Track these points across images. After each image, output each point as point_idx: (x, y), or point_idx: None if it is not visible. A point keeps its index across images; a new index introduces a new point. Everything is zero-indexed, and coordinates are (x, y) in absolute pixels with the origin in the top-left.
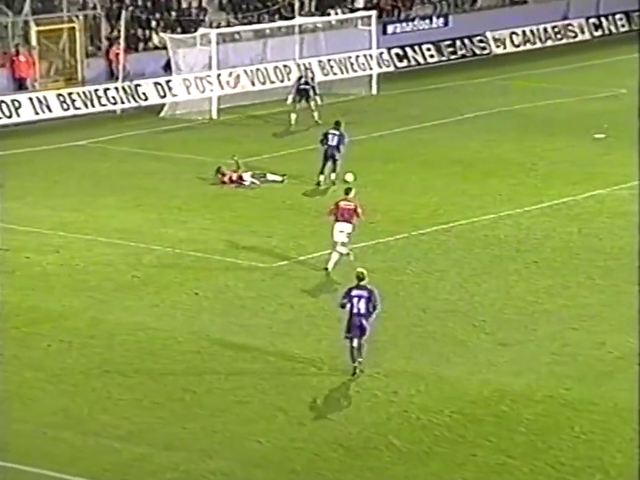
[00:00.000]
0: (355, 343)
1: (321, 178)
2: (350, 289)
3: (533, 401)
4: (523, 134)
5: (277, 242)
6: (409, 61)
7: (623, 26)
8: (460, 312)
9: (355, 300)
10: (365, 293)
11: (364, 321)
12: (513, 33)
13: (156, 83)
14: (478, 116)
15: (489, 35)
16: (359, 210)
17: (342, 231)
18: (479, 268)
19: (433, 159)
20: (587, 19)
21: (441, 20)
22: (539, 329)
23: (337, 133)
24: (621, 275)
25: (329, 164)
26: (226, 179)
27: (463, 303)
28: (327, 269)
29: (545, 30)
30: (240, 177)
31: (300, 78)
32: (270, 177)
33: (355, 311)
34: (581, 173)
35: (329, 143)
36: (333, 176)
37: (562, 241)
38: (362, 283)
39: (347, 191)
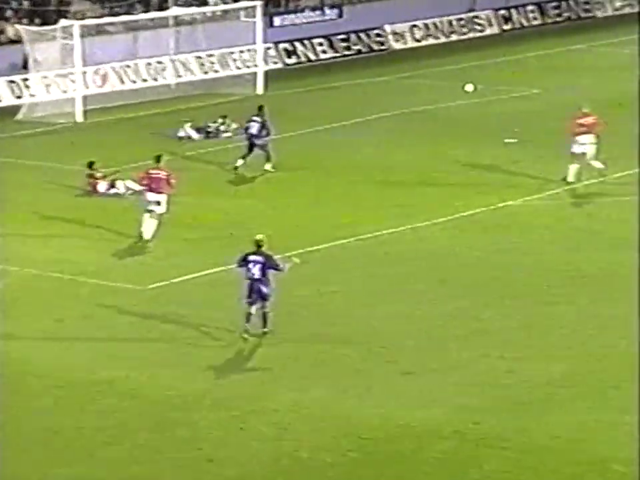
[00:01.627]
0: (254, 309)
1: (239, 162)
2: (247, 254)
3: (440, 437)
4: (427, 138)
5: (152, 260)
6: (298, 57)
7: (535, 19)
8: (358, 338)
9: (251, 265)
10: (260, 259)
11: (262, 287)
12: (414, 26)
13: (10, 82)
14: (378, 118)
15: (387, 28)
16: (171, 180)
17: (152, 201)
18: (380, 288)
19: (327, 166)
20: (496, 10)
21: (334, 11)
22: (447, 356)
23: (257, 120)
24: (535, 295)
25: (254, 152)
26: (98, 186)
27: (361, 328)
28: (141, 236)
29: (450, 23)
30: (112, 184)
31: None
32: (130, 184)
33: (251, 275)
34: (492, 182)
35: (249, 130)
36: (267, 166)
37: (472, 257)
38: (260, 249)
39: (158, 159)
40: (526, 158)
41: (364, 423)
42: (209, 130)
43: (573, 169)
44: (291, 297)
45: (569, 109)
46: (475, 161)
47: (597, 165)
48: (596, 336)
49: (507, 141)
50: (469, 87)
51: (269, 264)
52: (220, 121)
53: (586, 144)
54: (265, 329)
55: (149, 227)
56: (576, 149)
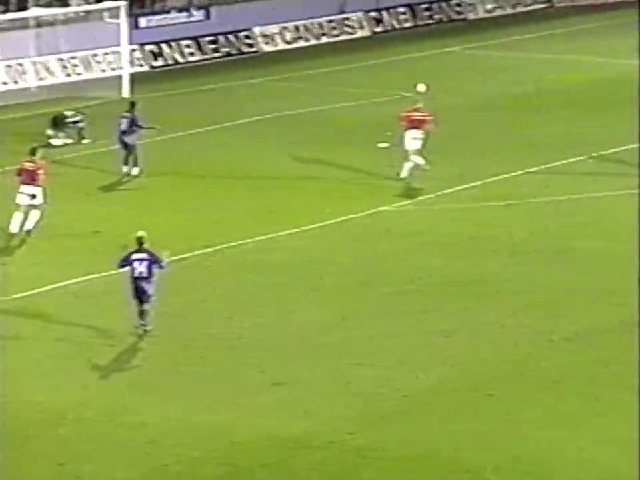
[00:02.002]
0: (145, 306)
1: (124, 169)
2: (130, 253)
3: (313, 447)
4: (299, 142)
5: (17, 270)
6: (165, 59)
7: (406, 21)
8: (228, 348)
9: (137, 263)
10: (145, 256)
11: (147, 285)
12: (284, 28)
13: None
14: (248, 122)
15: (256, 30)
16: (41, 172)
17: (27, 194)
18: (250, 297)
19: (196, 171)
20: (367, 12)
21: (202, 12)
22: (319, 365)
23: (127, 115)
24: (410, 302)
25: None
26: None
27: (232, 338)
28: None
29: (320, 25)
30: None
31: None
32: None
33: (137, 274)
34: (364, 187)
35: (120, 127)
36: (134, 170)
37: (344, 264)
38: (142, 247)
39: (33, 152)
40: (396, 162)
41: (235, 434)
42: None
43: (407, 165)
44: (159, 306)
45: (444, 112)
46: (347, 166)
47: (418, 160)
48: (470, 344)
49: (380, 145)
50: (421, 87)
51: (153, 260)
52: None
53: (417, 139)
54: (146, 327)
55: (19, 220)
56: (407, 144)
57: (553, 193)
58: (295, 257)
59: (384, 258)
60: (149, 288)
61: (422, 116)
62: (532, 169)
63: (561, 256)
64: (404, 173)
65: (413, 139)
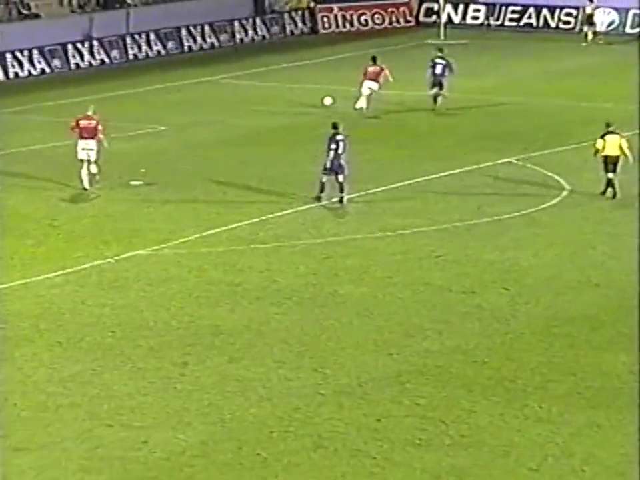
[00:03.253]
0: None
1: None
2: None
3: None
4: (32, 183)
5: None
6: None
7: (158, 51)
8: None
9: None
10: None
11: None
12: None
13: None
14: None
15: None
16: None
17: None
18: None
19: None
20: (121, 37)
21: None
22: (65, 427)
23: None
24: (167, 355)
25: None
26: None
27: None
28: None
29: (65, 51)
30: None
31: None
32: None
33: None
34: (115, 230)
35: None
36: None
37: (93, 315)
38: None
39: None
40: (153, 202)
41: None
42: None
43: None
44: None
45: (200, 147)
46: (93, 207)
47: (94, 169)
48: (234, 400)
49: (132, 183)
50: (327, 100)
51: None
52: None
53: (90, 149)
54: None
55: None
56: (80, 154)
57: (319, 234)
58: (37, 307)
59: (139, 307)
60: None
61: (95, 124)
62: (300, 208)
63: (328, 302)
64: (86, 184)
65: (82, 150)
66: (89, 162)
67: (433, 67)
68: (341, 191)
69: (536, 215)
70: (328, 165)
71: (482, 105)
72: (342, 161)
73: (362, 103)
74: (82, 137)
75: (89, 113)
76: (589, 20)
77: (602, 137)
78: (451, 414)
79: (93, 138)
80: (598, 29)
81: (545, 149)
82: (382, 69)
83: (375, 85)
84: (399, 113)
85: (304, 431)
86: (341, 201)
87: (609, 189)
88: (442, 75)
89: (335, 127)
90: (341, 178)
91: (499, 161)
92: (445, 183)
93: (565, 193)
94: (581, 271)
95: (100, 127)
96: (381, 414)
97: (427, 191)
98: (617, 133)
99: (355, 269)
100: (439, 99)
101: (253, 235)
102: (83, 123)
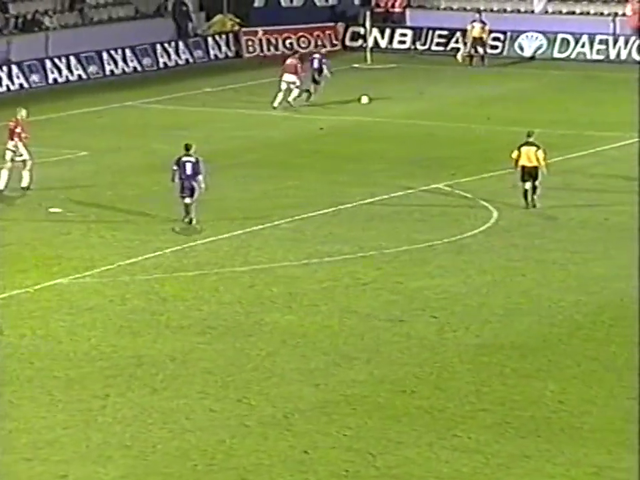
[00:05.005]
0: None
1: None
2: None
3: None
4: None
5: None
6: None
7: (77, 72)
8: None
9: None
10: None
11: None
12: None
13: None
14: None
15: None
16: None
17: None
18: None
19: None
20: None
21: None
22: None
23: None
24: (88, 387)
25: None
26: None
27: None
28: None
29: None
30: None
31: None
32: None
33: None
34: (35, 258)
35: None
36: None
37: (11, 346)
38: None
39: None
40: (74, 229)
41: None
42: None
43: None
44: None
45: (122, 172)
46: (13, 234)
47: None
48: (156, 433)
49: (51, 210)
50: (365, 99)
51: None
52: None
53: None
54: None
55: None
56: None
57: (244, 262)
58: None
59: (59, 337)
60: None
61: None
62: (223, 235)
63: (254, 331)
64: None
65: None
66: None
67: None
68: (187, 213)
69: (464, 242)
70: (178, 187)
71: (409, 131)
72: (193, 183)
73: (279, 99)
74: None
75: (18, 117)
76: (478, 42)
77: (519, 147)
78: (379, 445)
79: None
80: (525, 54)
81: (472, 175)
82: (301, 62)
83: (292, 78)
84: (325, 137)
85: (228, 463)
86: (190, 222)
87: (532, 199)
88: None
89: (187, 148)
90: (188, 200)
91: (427, 187)
92: (372, 209)
93: (493, 220)
94: (509, 298)
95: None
96: (307, 445)
97: (354, 217)
98: (535, 144)
99: (280, 297)
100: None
101: (177, 263)
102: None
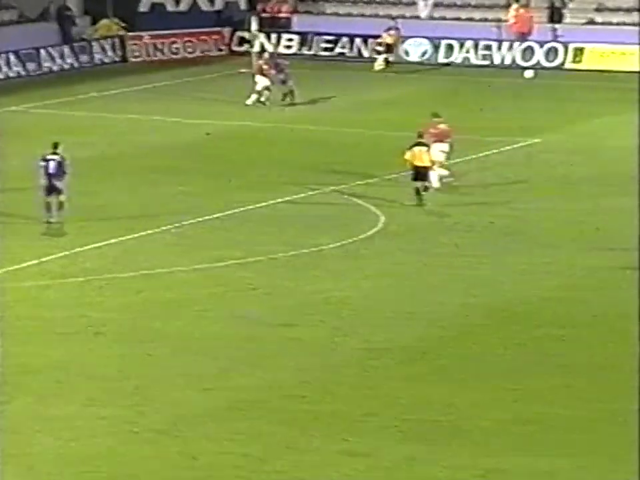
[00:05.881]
0: None
1: None
2: None
3: None
4: None
5: None
6: None
7: None
8: None
9: None
10: None
11: None
12: None
13: None
14: None
15: None
16: None
17: None
18: None
19: None
20: None
21: None
22: None
23: None
24: None
25: None
26: None
27: None
28: None
29: None
30: None
31: None
32: None
33: None
34: None
35: None
36: None
37: None
38: None
39: None
40: None
41: None
42: None
43: None
44: None
45: (7, 179)
46: None
47: None
48: (42, 439)
49: None
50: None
51: None
52: None
53: None
54: None
55: None
56: None
57: (132, 267)
58: None
59: None
60: None
61: None
62: (112, 241)
63: (142, 337)
64: None
65: None
66: None
67: None
68: (48, 211)
69: (353, 247)
70: (44, 185)
71: (297, 136)
72: (56, 182)
73: (253, 99)
74: None
75: None
76: (388, 49)
77: (410, 148)
78: (268, 450)
79: None
80: (411, 59)
81: (361, 179)
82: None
83: (262, 79)
84: (214, 142)
85: (117, 470)
86: (50, 222)
87: (422, 198)
88: None
89: (54, 146)
90: (62, 197)
91: (316, 192)
92: (261, 213)
93: (382, 224)
94: (398, 302)
95: None
96: (197, 451)
97: (244, 222)
98: (426, 145)
99: (169, 303)
100: None
101: (64, 269)
102: None
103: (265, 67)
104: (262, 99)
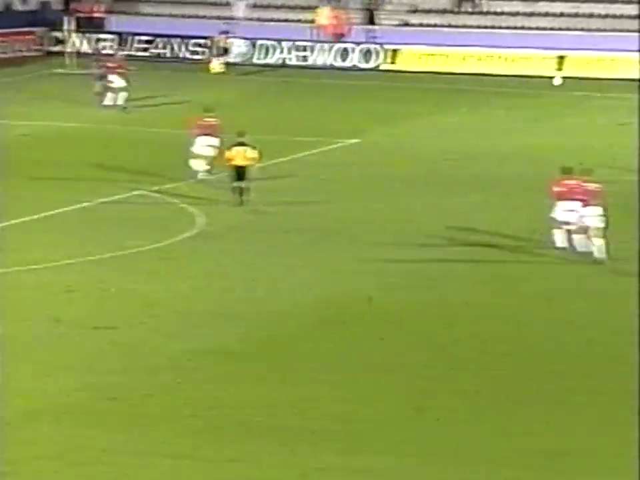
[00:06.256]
0: None
1: None
2: None
3: None
4: None
5: None
6: None
7: None
8: None
9: None
10: None
11: None
12: None
13: None
14: None
15: None
16: None
17: None
18: None
19: None
20: None
21: None
22: None
23: None
24: None
25: None
26: None
27: None
28: None
29: None
30: None
31: None
32: None
33: None
34: None
35: None
36: None
37: None
38: None
39: None
40: None
41: None
42: None
43: None
44: None
45: None
46: None
47: None
48: None
49: None
50: (557, 81)
51: None
52: None
53: None
54: None
55: None
56: None
57: None
58: None
59: None
60: None
61: None
62: None
63: None
64: None
65: None
66: None
67: None
68: None
69: (171, 248)
70: None
71: (116, 137)
72: None
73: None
74: None
75: None
76: (222, 52)
77: (230, 147)
78: (84, 453)
79: None
80: (231, 60)
81: (179, 180)
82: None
83: (116, 79)
84: (30, 143)
85: None
86: None
87: (242, 197)
88: None
89: None
90: None
91: (133, 193)
92: (78, 215)
93: (201, 225)
94: (216, 304)
95: None
96: (13, 456)
97: (60, 224)
98: (246, 144)
99: None
100: None
101: None
102: None
103: (116, 67)
104: (119, 102)
